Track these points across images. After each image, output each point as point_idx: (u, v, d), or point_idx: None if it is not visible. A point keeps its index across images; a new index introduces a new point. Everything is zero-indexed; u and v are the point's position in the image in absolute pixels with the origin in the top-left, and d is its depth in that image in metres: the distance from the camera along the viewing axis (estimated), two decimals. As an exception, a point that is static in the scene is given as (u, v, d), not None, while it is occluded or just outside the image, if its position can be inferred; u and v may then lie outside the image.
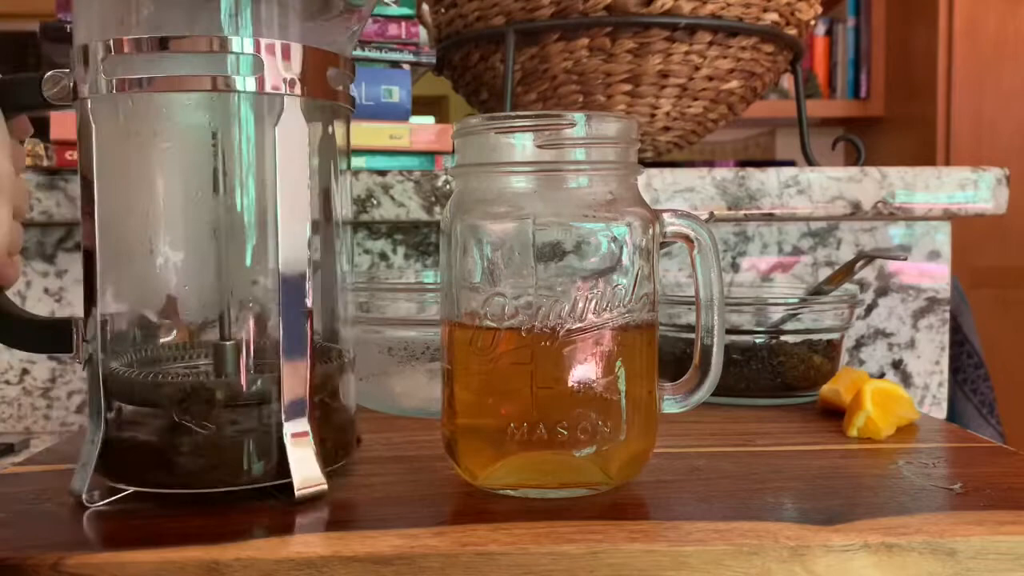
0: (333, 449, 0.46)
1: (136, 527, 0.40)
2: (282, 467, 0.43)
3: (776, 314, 0.65)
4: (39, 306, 0.77)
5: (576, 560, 0.37)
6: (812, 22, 0.85)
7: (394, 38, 0.80)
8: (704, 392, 0.47)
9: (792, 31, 0.82)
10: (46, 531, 0.40)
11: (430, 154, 0.79)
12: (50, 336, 0.46)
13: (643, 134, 0.84)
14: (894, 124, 2.45)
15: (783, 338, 0.64)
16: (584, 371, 0.42)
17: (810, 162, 0.85)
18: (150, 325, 0.48)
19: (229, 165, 0.47)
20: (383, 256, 0.80)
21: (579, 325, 0.42)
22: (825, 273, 0.81)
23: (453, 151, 0.51)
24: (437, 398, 0.47)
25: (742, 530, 0.39)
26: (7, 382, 0.78)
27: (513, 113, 0.49)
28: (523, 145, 0.43)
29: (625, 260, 0.43)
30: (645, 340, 0.44)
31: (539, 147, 0.43)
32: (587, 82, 0.80)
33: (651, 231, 0.44)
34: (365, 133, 0.77)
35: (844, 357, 0.73)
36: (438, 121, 0.85)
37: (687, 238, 0.46)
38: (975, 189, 0.80)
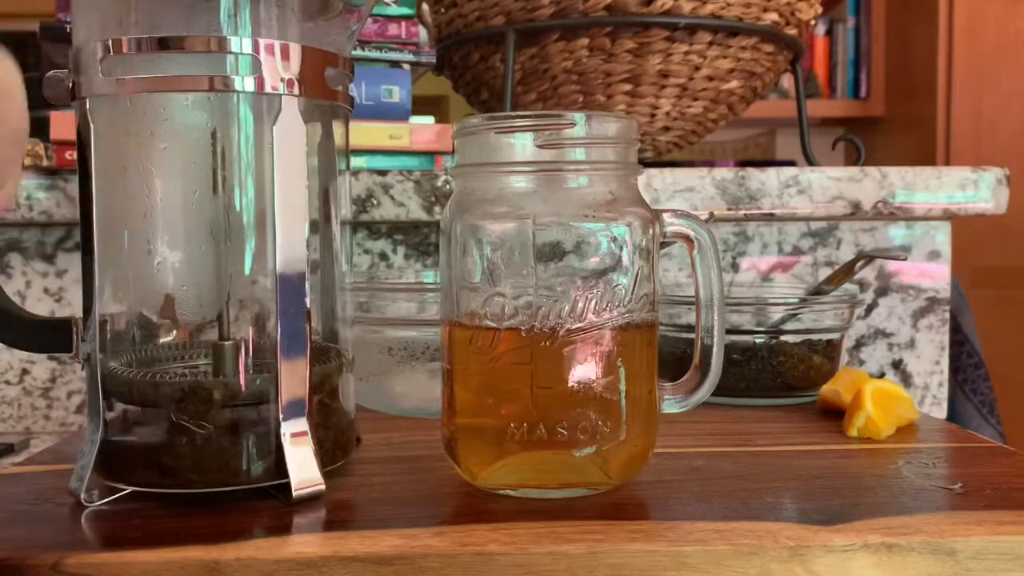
0: (332, 449, 0.46)
1: (136, 527, 0.40)
2: (280, 467, 0.43)
3: (776, 314, 0.65)
4: (39, 306, 0.77)
5: (576, 560, 0.37)
6: (812, 22, 0.85)
7: (394, 38, 0.80)
8: (704, 392, 0.47)
9: (792, 31, 0.82)
10: (46, 531, 0.40)
11: (430, 154, 0.79)
12: (50, 336, 0.46)
13: (643, 134, 0.84)
14: (894, 124, 2.45)
15: (783, 338, 0.64)
16: (584, 371, 0.42)
17: (810, 162, 0.85)
18: (149, 325, 0.48)
19: (228, 165, 0.47)
20: (383, 256, 0.79)
21: (579, 325, 0.42)
22: (825, 273, 0.81)
23: (453, 151, 0.51)
24: (437, 398, 0.47)
25: (742, 530, 0.39)
26: (7, 382, 0.78)
27: (513, 113, 0.49)
28: (523, 145, 0.43)
29: (625, 260, 0.43)
30: (645, 340, 0.44)
31: (539, 147, 0.43)
32: (587, 82, 0.80)
33: (651, 231, 0.44)
34: (365, 133, 0.77)
35: (844, 357, 0.73)
36: (438, 121, 0.84)
37: (687, 238, 0.46)
38: (975, 189, 0.80)
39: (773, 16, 0.79)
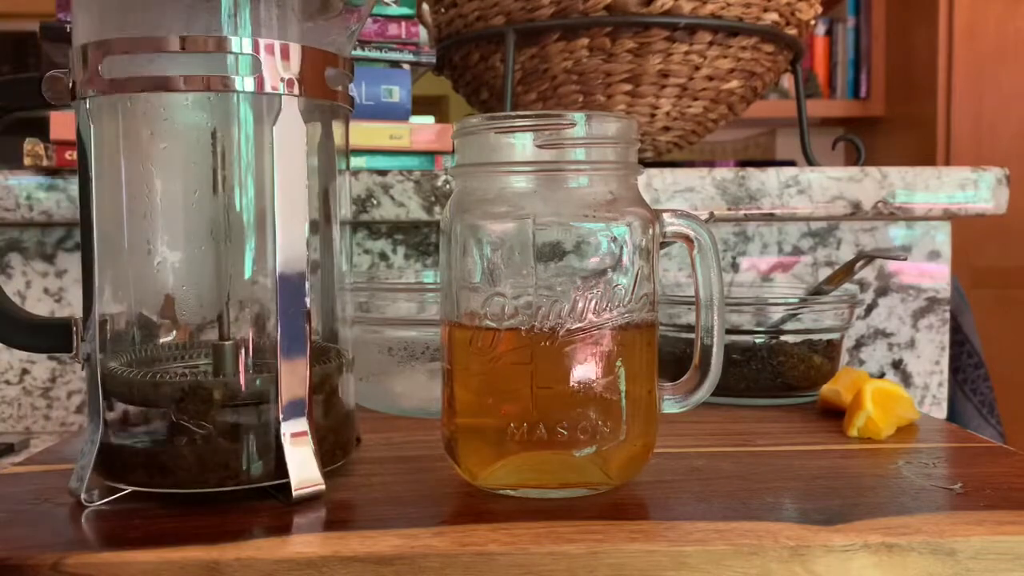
0: (332, 449, 0.46)
1: (136, 527, 0.40)
2: (280, 467, 0.43)
3: (776, 314, 0.65)
4: (39, 306, 0.77)
5: (576, 560, 0.37)
6: (812, 22, 0.85)
7: (394, 38, 0.80)
8: (704, 392, 0.47)
9: (792, 31, 0.82)
10: (46, 531, 0.40)
11: (430, 154, 0.79)
12: (50, 336, 0.46)
13: (643, 134, 0.84)
14: (894, 124, 2.45)
15: (783, 338, 0.64)
16: (584, 371, 0.42)
17: (810, 162, 0.85)
18: (149, 325, 0.48)
19: (228, 165, 0.47)
20: (383, 256, 0.79)
21: (579, 325, 0.42)
22: (825, 273, 0.81)
23: (453, 151, 0.51)
24: (437, 398, 0.47)
25: (742, 530, 0.39)
26: (7, 382, 0.78)
27: (513, 113, 0.49)
28: (523, 145, 0.43)
29: (625, 260, 0.43)
30: (645, 340, 0.44)
31: (539, 147, 0.43)
32: (587, 82, 0.80)
33: (651, 231, 0.44)
34: (365, 133, 0.77)
35: (844, 357, 0.73)
36: (438, 121, 0.85)
37: (687, 238, 0.46)
38: (975, 189, 0.80)
39: (773, 16, 0.79)
